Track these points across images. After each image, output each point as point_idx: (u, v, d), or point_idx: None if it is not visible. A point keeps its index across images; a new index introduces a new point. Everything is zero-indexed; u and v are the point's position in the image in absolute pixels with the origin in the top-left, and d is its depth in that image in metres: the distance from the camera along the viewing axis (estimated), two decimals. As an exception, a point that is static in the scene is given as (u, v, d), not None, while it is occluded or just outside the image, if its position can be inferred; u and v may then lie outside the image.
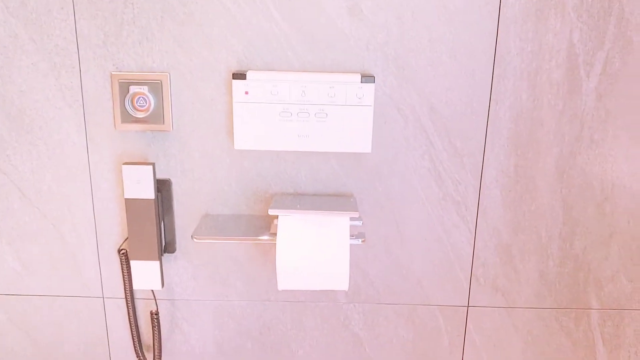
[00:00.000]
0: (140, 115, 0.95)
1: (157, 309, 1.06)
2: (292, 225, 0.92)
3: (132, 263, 0.99)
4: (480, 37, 0.92)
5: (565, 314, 1.07)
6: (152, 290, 1.06)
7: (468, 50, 0.93)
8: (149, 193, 0.96)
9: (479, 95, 0.95)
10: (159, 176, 0.99)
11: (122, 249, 1.01)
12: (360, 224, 1.00)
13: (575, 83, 0.95)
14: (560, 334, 1.08)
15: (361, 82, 0.92)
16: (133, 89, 0.94)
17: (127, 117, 0.95)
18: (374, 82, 0.93)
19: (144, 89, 0.94)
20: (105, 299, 1.06)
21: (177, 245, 1.04)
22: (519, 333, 1.08)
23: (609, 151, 0.98)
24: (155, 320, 1.06)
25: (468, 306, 1.06)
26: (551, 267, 1.04)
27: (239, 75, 0.92)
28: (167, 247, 1.03)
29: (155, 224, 0.97)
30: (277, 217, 0.95)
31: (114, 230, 1.02)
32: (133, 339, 1.07)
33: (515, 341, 1.09)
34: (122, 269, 1.01)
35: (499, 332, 1.08)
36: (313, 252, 0.92)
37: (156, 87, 0.95)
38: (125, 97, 0.94)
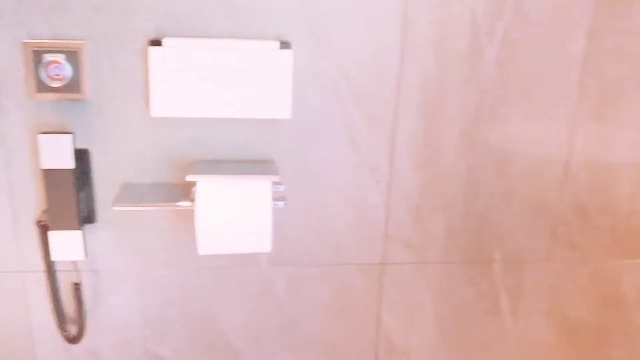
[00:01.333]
0: (56, 84, 0.92)
1: (79, 280, 1.03)
2: (211, 190, 0.92)
3: (52, 234, 0.96)
4: (391, 6, 0.95)
5: (471, 267, 1.12)
6: (74, 262, 1.03)
7: (379, 19, 0.95)
8: (68, 163, 0.93)
9: (389, 64, 0.98)
10: (77, 146, 0.96)
11: (40, 221, 0.97)
12: (282, 189, 1.01)
13: (478, 52, 0.99)
14: (467, 286, 1.14)
15: (279, 48, 0.93)
16: (47, 57, 0.90)
17: (42, 87, 0.92)
18: (292, 49, 0.93)
19: (60, 58, 0.91)
20: (25, 274, 1.02)
21: (98, 216, 1.01)
22: (430, 287, 1.13)
23: (508, 116, 1.03)
24: (78, 292, 1.03)
25: (383, 264, 1.10)
26: (457, 225, 1.09)
27: (156, 43, 0.91)
28: (87, 217, 1.00)
29: (74, 194, 0.94)
30: (196, 183, 0.94)
31: (32, 203, 0.98)
32: (56, 311, 1.04)
33: (427, 294, 1.13)
34: (40, 240, 0.98)
35: (412, 287, 1.12)
36: (234, 215, 0.92)
37: (73, 56, 0.91)
38: (39, 65, 0.90)
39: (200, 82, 0.92)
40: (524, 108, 1.03)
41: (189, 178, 0.93)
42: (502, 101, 1.02)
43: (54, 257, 0.97)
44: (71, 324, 1.07)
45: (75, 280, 1.04)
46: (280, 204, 0.97)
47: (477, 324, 1.17)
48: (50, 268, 1.00)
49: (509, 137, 1.05)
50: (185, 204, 0.94)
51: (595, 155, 1.08)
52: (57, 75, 0.91)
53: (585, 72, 1.02)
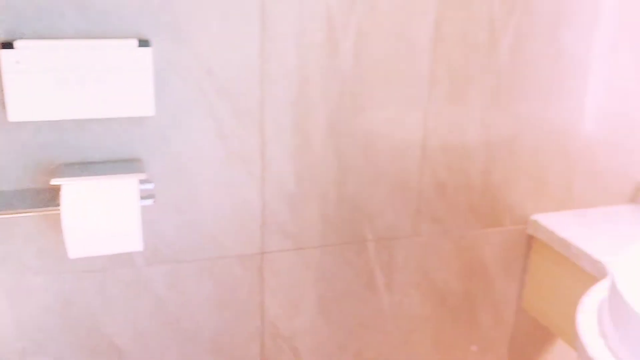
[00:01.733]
0: None
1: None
2: (76, 193, 0.90)
3: None
4: (248, 2, 0.96)
5: (347, 248, 1.17)
6: None
7: (238, 13, 0.97)
8: None
9: (251, 56, 0.99)
10: None
11: None
12: (152, 186, 1.00)
13: (334, 44, 1.03)
14: (345, 266, 1.19)
15: (138, 46, 0.92)
16: None
17: None
18: (151, 47, 0.93)
19: None
20: None
21: (-43, 227, 0.96)
22: (310, 271, 1.16)
23: (367, 104, 1.08)
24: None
25: (262, 253, 1.12)
26: (331, 209, 1.13)
27: (7, 45, 0.87)
28: (-56, 229, 0.95)
29: None
30: (61, 187, 0.92)
31: None
32: None
33: (308, 279, 1.17)
34: None
35: (292, 272, 1.15)
36: (101, 216, 0.90)
37: None
38: None
39: (58, 83, 0.90)
40: (381, 95, 1.09)
41: (54, 182, 0.90)
42: (361, 90, 1.07)
43: None
44: (-64, 343, 1.00)
45: (-64, 297, 0.98)
46: (149, 201, 0.97)
47: (356, 302, 1.22)
48: None
49: (370, 123, 1.10)
50: (51, 208, 0.91)
51: (448, 136, 1.15)
52: None
53: (434, 59, 1.09)
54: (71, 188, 0.90)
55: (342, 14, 1.02)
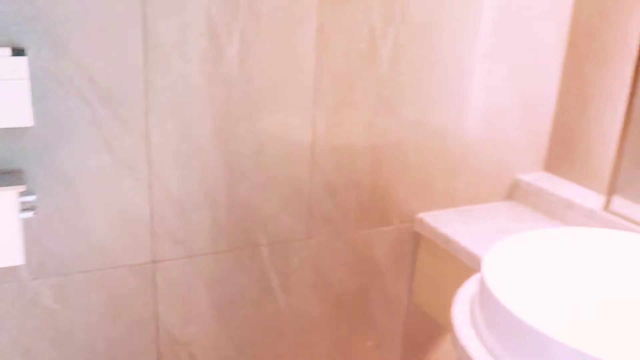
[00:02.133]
0: None
1: None
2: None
3: None
4: (130, 7, 0.96)
5: (240, 253, 1.18)
6: None
7: (118, 22, 0.96)
8: None
9: (133, 65, 0.99)
10: None
11: None
12: (34, 198, 0.97)
13: (219, 51, 1.04)
14: (239, 272, 1.19)
15: (12, 55, 0.89)
16: None
17: None
18: (26, 55, 0.90)
19: None
20: None
21: None
22: (204, 277, 1.16)
23: (256, 109, 1.10)
24: None
25: (154, 262, 1.11)
26: (222, 215, 1.14)
27: None
28: None
29: None
30: None
31: None
32: None
33: (202, 285, 1.17)
34: None
35: (186, 280, 1.15)
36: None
37: None
38: None
39: None
40: (268, 101, 1.11)
41: None
42: (248, 96, 1.09)
43: None
44: None
45: None
46: (30, 214, 0.94)
47: (252, 306, 1.23)
48: None
49: (259, 128, 1.12)
50: None
51: (336, 140, 1.19)
52: None
53: (318, 66, 1.12)
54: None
55: (225, 22, 1.03)
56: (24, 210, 0.95)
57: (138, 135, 1.03)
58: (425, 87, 1.24)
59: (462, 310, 0.97)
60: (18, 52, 0.90)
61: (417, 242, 1.35)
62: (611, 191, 1.24)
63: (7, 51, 0.89)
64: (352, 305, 1.34)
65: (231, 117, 1.09)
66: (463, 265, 1.20)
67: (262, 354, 1.28)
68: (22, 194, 0.95)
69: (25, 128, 0.95)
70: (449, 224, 1.28)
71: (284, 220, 1.20)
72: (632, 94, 1.19)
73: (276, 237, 1.20)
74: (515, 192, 1.42)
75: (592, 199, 1.29)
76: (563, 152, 1.40)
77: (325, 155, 1.19)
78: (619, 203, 1.22)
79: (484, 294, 0.91)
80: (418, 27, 1.19)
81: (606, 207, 1.24)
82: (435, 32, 1.21)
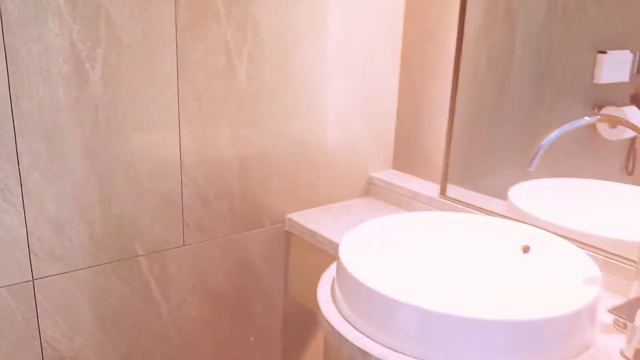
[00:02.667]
0: None
1: None
2: None
3: None
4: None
5: (119, 265, 1.23)
6: None
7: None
8: None
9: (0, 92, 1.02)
10: None
11: None
12: None
13: (83, 75, 1.10)
14: (119, 283, 1.24)
15: None
16: None
17: None
18: None
19: None
20: None
21: None
22: (84, 291, 1.20)
23: (123, 127, 1.16)
24: None
25: (33, 280, 1.13)
26: (98, 229, 1.18)
27: None
28: None
29: None
30: None
31: None
32: None
33: (83, 300, 1.20)
34: None
35: (67, 295, 1.18)
36: None
37: None
38: None
39: None
40: (136, 120, 1.18)
41: None
42: (116, 116, 1.15)
43: None
44: None
45: None
46: None
47: (135, 314, 1.28)
48: None
49: (129, 146, 1.18)
50: None
51: (204, 153, 1.28)
52: None
53: (180, 84, 1.21)
54: None
55: (86, 48, 1.09)
56: None
57: (8, 158, 1.06)
58: (283, 101, 1.37)
59: (325, 290, 1.10)
60: None
61: (288, 240, 1.47)
62: (444, 181, 1.43)
63: None
64: (232, 305, 1.43)
65: (100, 137, 1.14)
66: (329, 256, 1.33)
67: (148, 359, 1.33)
68: None
69: None
70: (315, 220, 1.41)
71: (159, 231, 1.27)
72: (452, 100, 1.40)
73: (153, 247, 1.26)
74: (369, 189, 1.59)
75: (431, 189, 1.48)
76: (406, 152, 1.58)
77: (194, 167, 1.27)
78: (452, 189, 1.42)
79: (340, 271, 1.04)
80: (269, 47, 1.31)
81: (442, 193, 1.43)
82: (286, 52, 1.34)
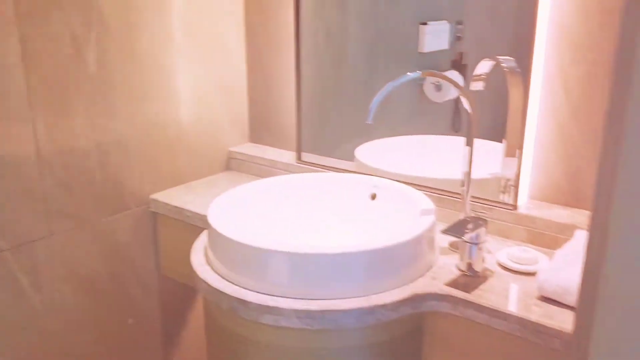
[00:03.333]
0: None
1: None
2: None
3: None
4: None
5: (-17, 262, 1.19)
6: None
7: None
8: None
9: None
10: None
11: None
12: None
13: None
14: (-15, 281, 1.20)
15: None
16: None
17: None
18: None
19: None
20: None
21: None
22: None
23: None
24: None
25: None
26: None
27: None
28: None
29: None
30: None
31: None
32: None
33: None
34: None
35: None
36: None
37: None
38: None
39: None
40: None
41: None
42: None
43: None
44: None
45: None
46: None
47: (6, 309, 1.24)
48: None
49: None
50: None
51: (61, 141, 1.27)
52: None
53: (27, 75, 1.19)
54: None
55: None
56: None
57: None
58: (134, 85, 1.39)
59: (198, 256, 1.16)
60: None
61: (155, 220, 1.50)
62: (299, 148, 1.55)
63: None
64: (107, 290, 1.43)
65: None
66: (197, 229, 1.39)
67: (23, 353, 1.30)
68: None
69: None
70: (179, 198, 1.46)
71: (23, 223, 1.24)
72: (298, 74, 1.51)
73: (17, 240, 1.24)
74: (230, 163, 1.66)
75: (288, 156, 1.59)
76: (261, 125, 1.68)
77: (52, 156, 1.26)
78: (307, 156, 1.54)
79: (212, 234, 1.11)
80: (116, 31, 1.33)
81: (298, 159, 1.55)
82: (133, 35, 1.36)
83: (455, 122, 1.43)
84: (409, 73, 1.12)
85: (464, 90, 1.13)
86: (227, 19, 1.56)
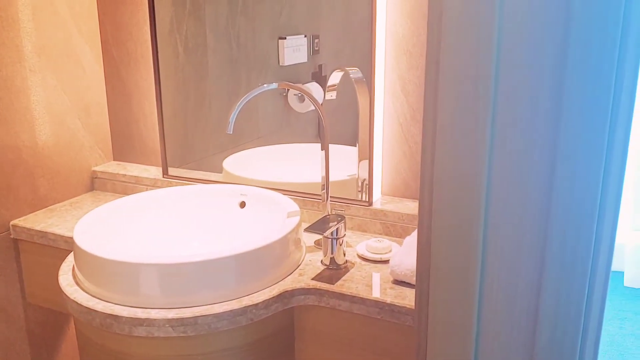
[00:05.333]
0: None
1: None
2: None
3: None
4: None
5: None
6: None
7: None
8: None
9: None
10: None
11: None
12: None
13: None
14: None
15: None
16: None
17: None
18: None
19: None
20: None
21: None
22: None
23: None
24: None
25: None
26: None
27: None
28: None
29: None
30: None
31: None
32: None
33: None
34: None
35: None
36: None
37: None
38: None
39: None
40: None
41: None
42: None
43: None
44: None
45: None
46: None
47: None
48: None
49: None
50: None
51: None
52: None
53: None
54: None
55: None
56: None
57: None
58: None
59: (66, 277, 1.15)
60: None
61: (17, 247, 1.44)
62: (164, 163, 1.57)
63: None
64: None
65: None
66: (63, 252, 1.36)
67: None
68: None
69: None
70: (42, 222, 1.42)
71: None
72: (157, 89, 1.54)
73: None
74: (95, 183, 1.64)
75: (154, 172, 1.60)
76: (125, 142, 1.67)
77: None
78: (174, 171, 1.57)
79: (78, 253, 1.11)
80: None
81: (165, 174, 1.57)
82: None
83: (320, 130, 1.53)
84: (264, 85, 1.19)
85: (314, 98, 1.22)
86: (81, 37, 1.55)
